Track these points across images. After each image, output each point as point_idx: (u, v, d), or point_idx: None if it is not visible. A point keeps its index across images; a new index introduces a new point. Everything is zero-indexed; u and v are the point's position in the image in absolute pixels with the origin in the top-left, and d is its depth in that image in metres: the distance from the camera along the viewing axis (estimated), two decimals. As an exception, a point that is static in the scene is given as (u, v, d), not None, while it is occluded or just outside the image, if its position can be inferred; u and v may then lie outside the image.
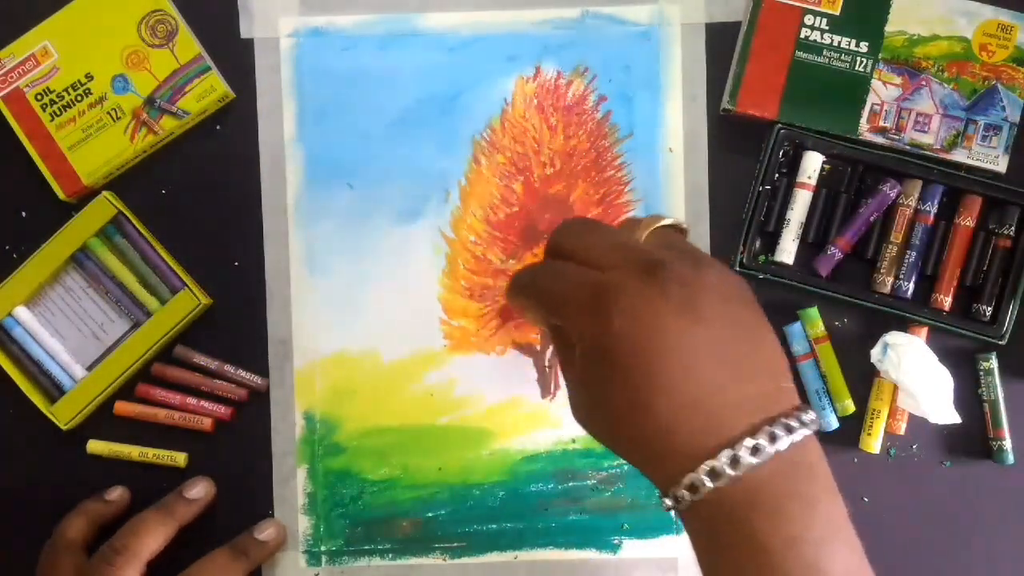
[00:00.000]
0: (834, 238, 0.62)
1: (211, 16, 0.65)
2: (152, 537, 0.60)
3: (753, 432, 0.37)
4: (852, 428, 0.64)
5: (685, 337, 0.39)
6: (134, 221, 0.64)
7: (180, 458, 0.65)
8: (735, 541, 0.38)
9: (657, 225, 0.45)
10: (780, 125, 0.62)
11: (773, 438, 0.37)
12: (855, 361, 0.64)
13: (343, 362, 0.65)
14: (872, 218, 0.62)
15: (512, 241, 0.65)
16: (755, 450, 0.37)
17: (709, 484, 0.37)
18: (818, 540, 0.37)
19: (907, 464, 0.64)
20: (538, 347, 0.65)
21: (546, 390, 0.65)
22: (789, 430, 0.37)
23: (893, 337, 0.61)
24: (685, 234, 0.46)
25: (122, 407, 0.65)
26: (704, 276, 0.40)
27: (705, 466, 0.37)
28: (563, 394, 0.65)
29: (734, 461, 0.37)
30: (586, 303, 0.41)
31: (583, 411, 0.43)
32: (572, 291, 0.42)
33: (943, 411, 0.60)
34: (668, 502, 0.39)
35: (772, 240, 0.63)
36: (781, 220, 0.62)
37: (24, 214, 0.65)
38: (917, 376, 0.60)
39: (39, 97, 0.64)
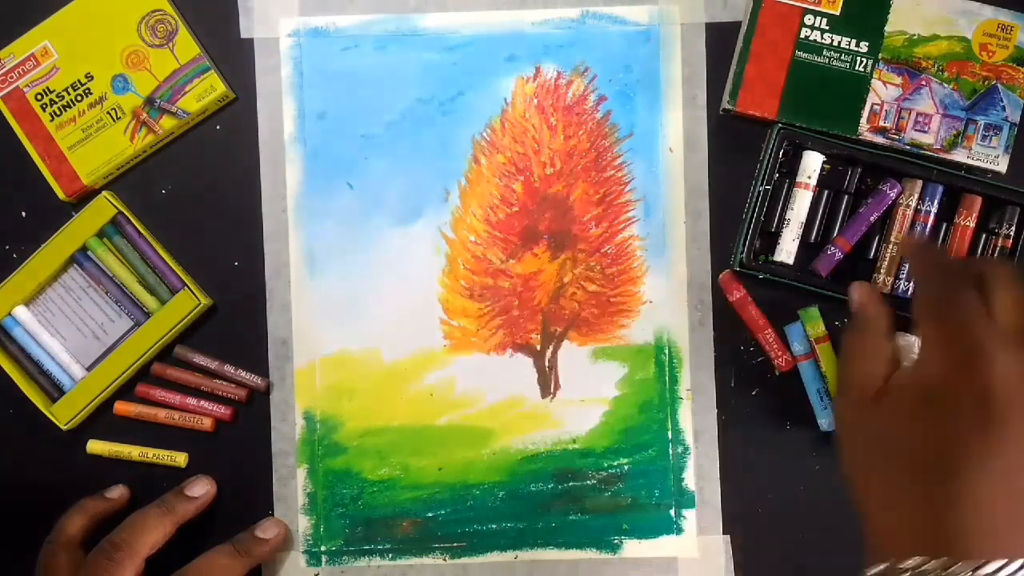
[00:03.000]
0: (834, 238, 0.61)
1: (211, 16, 0.64)
2: (151, 533, 0.59)
3: (1011, 560, 0.37)
4: (852, 428, 0.62)
5: None
6: (134, 221, 0.63)
7: (180, 458, 0.63)
8: None
9: None
10: (780, 125, 0.60)
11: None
12: (855, 361, 0.62)
13: (343, 362, 0.64)
14: (872, 218, 0.61)
15: (512, 241, 0.64)
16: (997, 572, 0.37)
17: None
18: None
19: (906, 464, 0.63)
20: (538, 347, 0.64)
21: (546, 390, 0.64)
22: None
23: (895, 338, 0.60)
24: None
25: (122, 407, 0.63)
26: None
27: (966, 565, 0.37)
28: (563, 394, 0.64)
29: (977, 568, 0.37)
30: (968, 352, 0.40)
31: (857, 421, 0.42)
32: (969, 323, 0.41)
33: None
34: (881, 568, 0.39)
35: (772, 240, 0.61)
36: (781, 220, 0.61)
37: (24, 214, 0.64)
38: None
39: (39, 97, 0.62)
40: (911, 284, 0.60)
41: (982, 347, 0.40)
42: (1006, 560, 0.37)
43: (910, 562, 0.37)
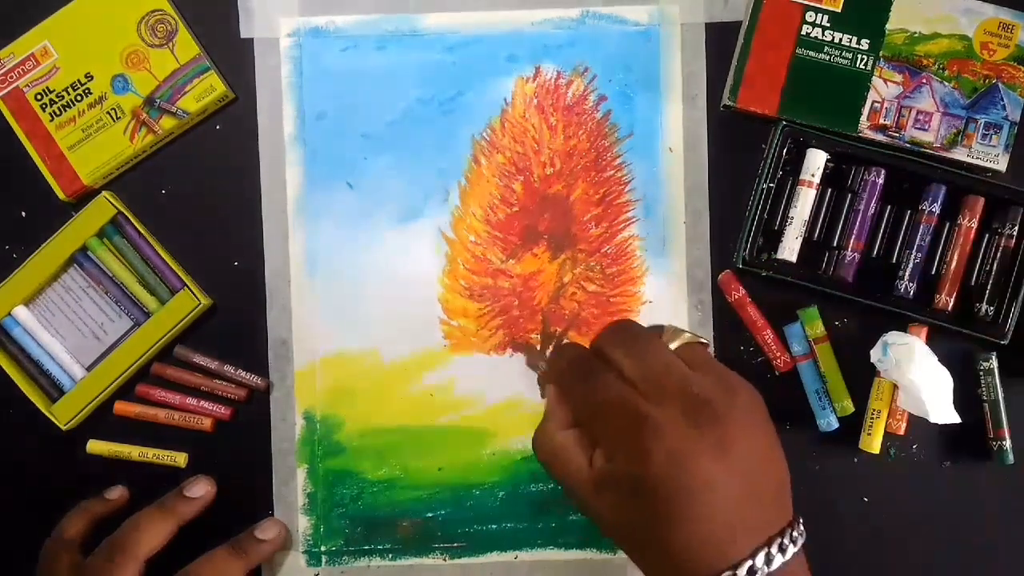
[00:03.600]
0: (846, 242, 0.60)
1: (211, 16, 0.63)
2: (151, 535, 0.58)
3: (753, 555, 0.41)
4: (852, 428, 0.62)
5: (715, 478, 0.41)
6: (134, 221, 0.62)
7: (180, 458, 0.63)
8: None
9: (683, 342, 0.47)
10: (784, 122, 0.60)
11: (769, 560, 0.41)
12: (855, 361, 0.62)
13: (343, 362, 0.63)
14: (871, 212, 0.60)
15: (512, 241, 0.63)
16: (751, 572, 0.41)
17: None
18: None
19: (907, 464, 0.63)
20: (538, 347, 0.63)
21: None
22: (783, 550, 0.41)
23: (892, 337, 0.59)
24: (705, 348, 0.48)
25: (122, 407, 0.63)
26: (735, 407, 0.43)
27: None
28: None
29: (752, 572, 0.41)
30: (626, 429, 0.43)
31: (593, 511, 0.45)
32: (614, 410, 0.44)
33: (943, 411, 0.58)
34: None
35: (774, 238, 0.61)
36: (784, 218, 0.61)
37: (24, 214, 0.64)
38: (917, 376, 0.58)
39: (39, 97, 0.62)
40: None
41: (644, 423, 0.42)
42: (748, 557, 0.41)
43: None
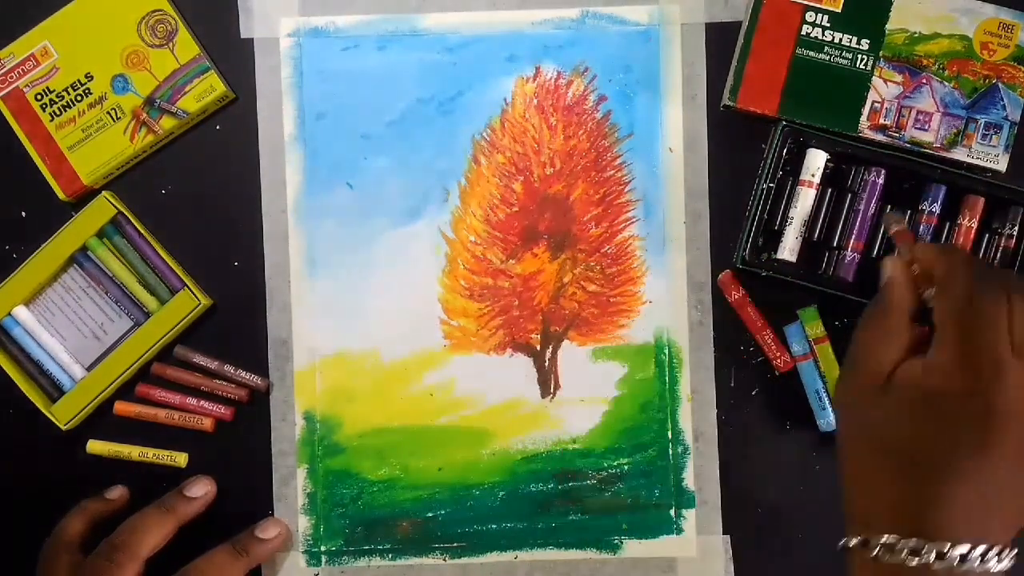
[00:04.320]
0: (846, 242, 0.60)
1: (211, 16, 0.63)
2: (151, 534, 0.57)
3: (989, 548, 0.39)
4: (853, 428, 0.61)
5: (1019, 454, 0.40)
6: (134, 221, 0.62)
7: (180, 458, 0.62)
8: None
9: None
10: (785, 122, 0.59)
11: (1000, 557, 0.39)
12: (855, 361, 0.61)
13: (343, 362, 0.63)
14: (871, 212, 0.59)
15: (512, 241, 0.63)
16: (983, 558, 0.39)
17: (922, 560, 0.39)
18: None
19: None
20: (538, 347, 0.63)
21: (546, 390, 0.63)
22: (999, 560, 0.40)
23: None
24: None
25: (122, 407, 0.62)
26: None
27: (936, 546, 0.39)
28: (563, 394, 0.62)
29: (962, 560, 0.39)
30: (989, 360, 0.41)
31: (861, 399, 0.43)
32: (986, 336, 0.42)
33: None
34: (855, 541, 0.40)
35: (774, 238, 0.60)
36: (784, 218, 0.60)
37: (24, 214, 0.63)
38: None
39: (39, 97, 0.61)
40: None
41: (998, 364, 0.41)
42: (970, 546, 0.39)
43: (884, 539, 0.39)
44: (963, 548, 0.38)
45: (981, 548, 0.39)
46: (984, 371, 0.41)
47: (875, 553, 0.40)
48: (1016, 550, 0.41)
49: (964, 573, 0.39)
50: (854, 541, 0.40)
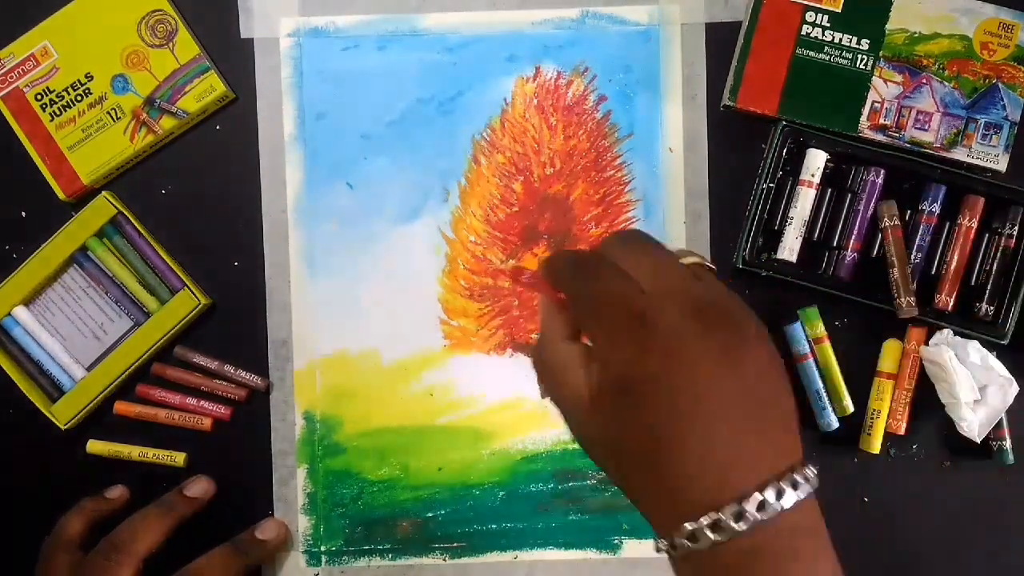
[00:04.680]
0: (845, 241, 0.60)
1: (211, 16, 0.63)
2: (150, 534, 0.57)
3: (761, 487, 0.35)
4: (852, 428, 0.61)
5: (720, 386, 0.36)
6: (134, 221, 0.62)
7: (180, 458, 0.62)
8: None
9: (693, 261, 0.41)
10: (784, 122, 0.59)
11: (780, 494, 0.35)
12: (855, 361, 0.61)
13: (343, 362, 0.63)
14: (870, 212, 0.59)
15: (512, 241, 0.63)
16: (761, 506, 0.35)
17: (711, 536, 0.35)
18: None
19: (907, 464, 0.62)
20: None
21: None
22: (795, 486, 0.36)
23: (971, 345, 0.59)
24: (714, 274, 0.43)
25: (122, 407, 0.62)
26: (743, 322, 0.38)
27: (708, 518, 0.35)
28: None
29: (739, 516, 0.34)
30: (623, 323, 0.37)
31: (588, 435, 0.40)
32: (612, 303, 0.38)
33: (975, 425, 0.58)
34: (662, 545, 0.37)
35: (774, 238, 0.60)
36: (784, 218, 0.60)
37: (24, 214, 0.63)
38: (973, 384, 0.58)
39: (39, 97, 0.61)
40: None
41: (641, 315, 0.37)
42: (751, 491, 0.35)
43: (681, 534, 0.35)
44: (756, 496, 0.35)
45: (771, 488, 0.35)
46: (633, 328, 0.37)
47: (679, 549, 0.36)
48: (810, 469, 0.37)
49: (775, 518, 0.35)
50: (663, 545, 0.37)
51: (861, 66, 0.60)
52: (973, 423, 0.58)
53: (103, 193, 0.61)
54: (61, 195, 0.61)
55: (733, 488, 0.35)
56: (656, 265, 0.39)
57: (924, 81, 0.60)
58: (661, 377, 0.36)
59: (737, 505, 0.35)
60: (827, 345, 0.61)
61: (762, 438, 0.37)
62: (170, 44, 0.62)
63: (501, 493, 0.63)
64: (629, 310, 0.37)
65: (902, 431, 0.61)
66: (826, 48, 0.60)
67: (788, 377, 0.39)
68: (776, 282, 0.60)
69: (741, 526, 0.34)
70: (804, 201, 0.59)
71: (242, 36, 0.63)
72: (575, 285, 0.40)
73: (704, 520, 0.35)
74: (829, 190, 0.60)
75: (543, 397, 0.43)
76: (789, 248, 0.59)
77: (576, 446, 0.62)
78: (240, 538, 0.60)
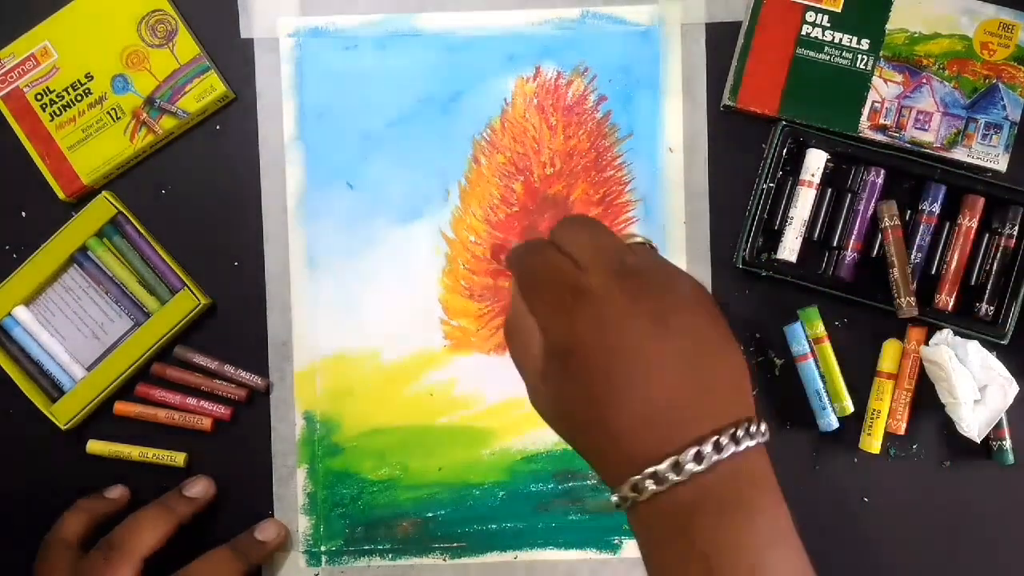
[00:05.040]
0: (846, 242, 0.60)
1: (211, 16, 0.62)
2: (150, 534, 0.57)
3: (700, 441, 0.37)
4: (852, 428, 0.61)
5: (650, 346, 0.38)
6: (134, 221, 0.61)
7: (180, 458, 0.62)
8: (676, 544, 0.38)
9: (633, 240, 0.44)
10: (784, 122, 0.59)
11: (719, 447, 0.37)
12: (855, 361, 0.61)
13: (343, 362, 0.63)
14: (870, 212, 0.59)
15: (512, 241, 0.63)
16: (698, 457, 0.37)
17: (652, 487, 0.37)
18: (760, 546, 0.37)
19: (907, 464, 0.62)
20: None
21: (546, 390, 0.62)
22: (736, 440, 0.37)
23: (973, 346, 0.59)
24: (654, 251, 0.45)
25: (122, 407, 0.62)
26: (676, 287, 0.40)
27: (649, 470, 0.37)
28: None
29: (676, 466, 0.37)
30: (558, 294, 0.40)
31: (540, 401, 0.42)
32: (548, 278, 0.41)
33: (971, 424, 0.58)
34: (615, 499, 0.39)
35: (774, 238, 0.60)
36: (784, 218, 0.60)
37: (24, 214, 0.63)
38: (973, 384, 0.58)
39: (39, 97, 0.61)
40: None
41: (575, 288, 0.39)
42: (688, 444, 0.37)
43: (627, 488, 0.38)
44: (691, 449, 0.36)
45: (710, 442, 0.37)
46: (566, 298, 0.39)
47: (626, 502, 0.38)
48: (756, 425, 0.38)
49: (713, 467, 0.37)
50: (615, 498, 0.39)
51: (861, 66, 0.59)
52: (973, 423, 0.58)
53: (103, 193, 0.61)
54: (61, 195, 0.61)
55: (671, 442, 0.37)
56: (592, 241, 0.42)
57: (924, 81, 0.59)
58: (593, 341, 0.38)
59: (675, 457, 0.36)
60: (827, 345, 0.61)
61: (702, 397, 0.38)
62: (170, 44, 0.61)
63: (501, 493, 0.62)
64: (563, 282, 0.40)
65: (902, 431, 0.60)
66: (826, 48, 0.60)
67: (736, 338, 0.41)
68: (776, 282, 0.60)
69: (678, 476, 0.36)
70: (804, 201, 0.59)
71: (242, 36, 0.63)
72: (519, 263, 0.43)
73: (646, 471, 0.37)
74: (829, 190, 0.60)
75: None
76: (789, 248, 0.59)
77: (576, 446, 0.62)
78: (239, 539, 0.60)
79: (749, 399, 0.40)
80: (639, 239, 0.44)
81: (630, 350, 0.38)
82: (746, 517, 0.37)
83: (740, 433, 0.37)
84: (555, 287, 0.40)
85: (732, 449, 0.37)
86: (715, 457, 0.37)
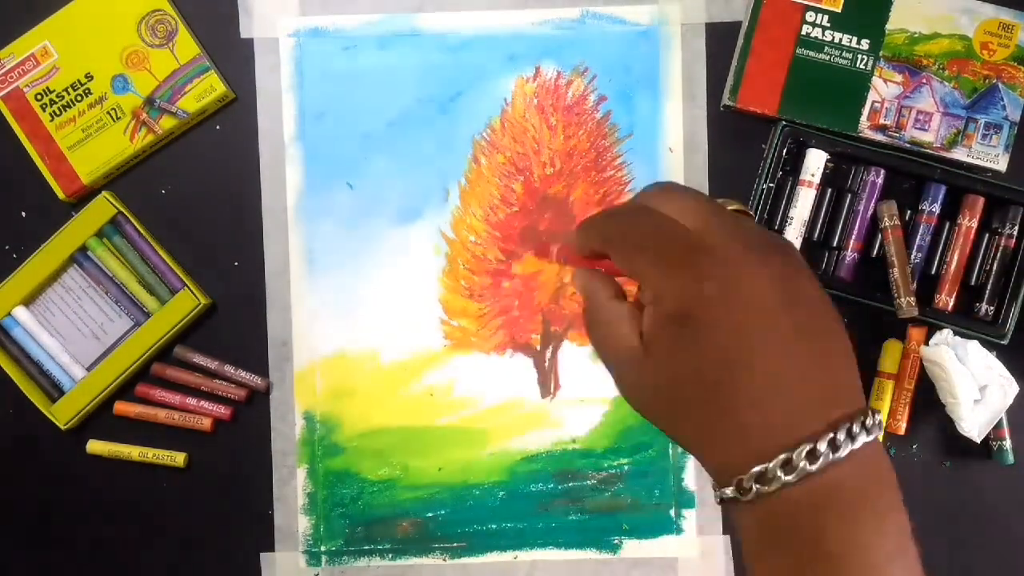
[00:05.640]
0: (846, 242, 0.60)
1: (211, 16, 0.62)
2: None
3: (833, 428, 0.33)
4: (852, 428, 0.61)
5: (782, 318, 0.35)
6: (134, 221, 0.61)
7: (180, 458, 0.62)
8: (797, 543, 0.34)
9: (733, 207, 0.40)
10: (784, 122, 0.59)
11: (851, 436, 0.33)
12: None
13: (343, 362, 0.62)
14: (870, 212, 0.59)
15: (512, 241, 0.62)
16: (833, 446, 0.33)
17: (783, 477, 0.33)
18: (888, 550, 0.34)
19: (907, 464, 0.62)
20: (538, 347, 0.62)
21: (546, 390, 0.62)
22: (867, 430, 0.34)
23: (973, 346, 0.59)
24: (753, 219, 0.41)
25: (122, 407, 0.62)
26: (791, 253, 0.37)
27: (781, 457, 0.33)
28: (563, 394, 0.62)
29: (812, 455, 0.33)
30: (676, 253, 0.36)
31: (638, 386, 0.38)
32: (661, 240, 0.37)
33: (972, 423, 0.58)
34: (727, 492, 0.35)
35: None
36: (784, 218, 0.60)
37: (24, 214, 0.63)
38: (973, 384, 0.58)
39: (39, 97, 0.61)
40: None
41: (693, 249, 0.36)
42: (822, 430, 0.34)
43: (750, 478, 0.34)
44: (827, 436, 0.33)
45: (843, 428, 0.33)
46: (686, 255, 0.36)
47: (747, 494, 0.34)
48: (869, 417, 0.35)
49: (847, 459, 0.33)
50: (727, 493, 0.35)
51: (861, 66, 0.59)
52: (973, 423, 0.58)
53: (103, 193, 0.61)
54: (61, 195, 0.61)
55: (803, 427, 0.34)
56: (700, 205, 0.38)
57: (924, 81, 0.59)
58: (720, 303, 0.35)
59: (810, 444, 0.33)
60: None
61: (828, 377, 0.35)
62: (170, 44, 0.61)
63: (501, 493, 0.62)
64: (681, 243, 0.36)
65: (902, 431, 0.60)
66: (826, 48, 0.59)
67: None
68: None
69: (813, 466, 0.33)
70: (804, 201, 0.59)
71: (242, 36, 0.62)
72: (618, 231, 0.39)
73: (778, 459, 0.33)
74: (829, 190, 0.60)
75: (596, 362, 0.41)
76: (789, 248, 0.59)
77: (576, 446, 0.62)
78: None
79: (860, 385, 0.36)
80: (737, 204, 0.40)
81: (764, 312, 0.34)
82: (875, 518, 0.34)
83: (868, 422, 0.34)
84: (671, 247, 0.36)
85: (863, 439, 0.34)
86: (849, 447, 0.33)
